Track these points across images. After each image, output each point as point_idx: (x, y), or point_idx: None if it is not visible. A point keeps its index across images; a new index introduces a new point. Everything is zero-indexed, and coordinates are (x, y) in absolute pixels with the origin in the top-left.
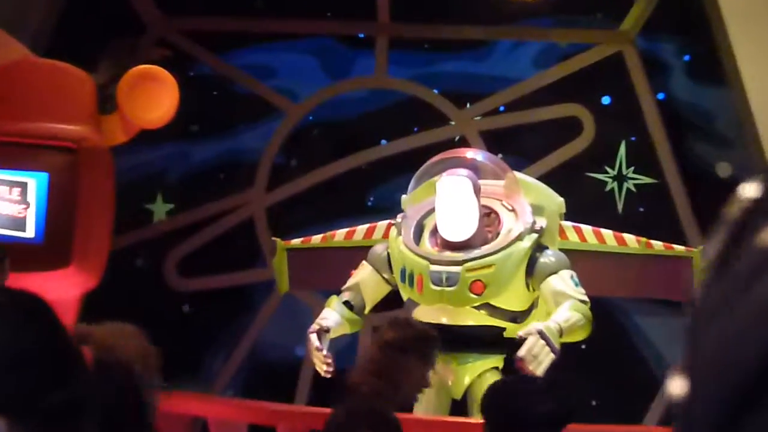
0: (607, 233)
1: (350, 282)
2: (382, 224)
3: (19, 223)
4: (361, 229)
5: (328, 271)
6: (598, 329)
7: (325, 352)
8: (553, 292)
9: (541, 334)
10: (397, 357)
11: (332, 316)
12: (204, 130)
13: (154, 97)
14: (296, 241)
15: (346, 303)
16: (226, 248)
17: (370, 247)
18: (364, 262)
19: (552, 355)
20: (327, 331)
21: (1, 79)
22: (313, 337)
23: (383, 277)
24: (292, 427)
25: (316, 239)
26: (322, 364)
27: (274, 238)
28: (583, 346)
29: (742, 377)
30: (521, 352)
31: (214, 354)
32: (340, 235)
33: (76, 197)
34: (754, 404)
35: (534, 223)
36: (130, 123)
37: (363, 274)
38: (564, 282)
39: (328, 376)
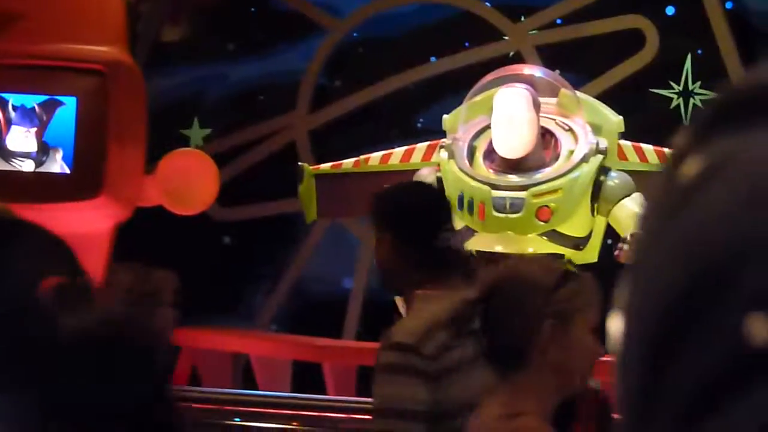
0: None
1: None
2: (422, 146)
3: (46, 150)
4: (399, 152)
5: (361, 199)
6: None
7: None
8: (630, 215)
9: None
10: None
11: None
12: (242, 50)
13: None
14: (325, 166)
15: None
16: (268, 175)
17: (407, 171)
18: None
19: None
20: None
21: None
22: None
23: None
24: (340, 364)
25: (348, 164)
26: None
27: (300, 163)
28: None
29: (652, 326)
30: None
31: (257, 287)
32: (374, 159)
33: (106, 123)
34: (673, 355)
35: (597, 143)
36: None
37: None
38: (640, 205)
39: None
